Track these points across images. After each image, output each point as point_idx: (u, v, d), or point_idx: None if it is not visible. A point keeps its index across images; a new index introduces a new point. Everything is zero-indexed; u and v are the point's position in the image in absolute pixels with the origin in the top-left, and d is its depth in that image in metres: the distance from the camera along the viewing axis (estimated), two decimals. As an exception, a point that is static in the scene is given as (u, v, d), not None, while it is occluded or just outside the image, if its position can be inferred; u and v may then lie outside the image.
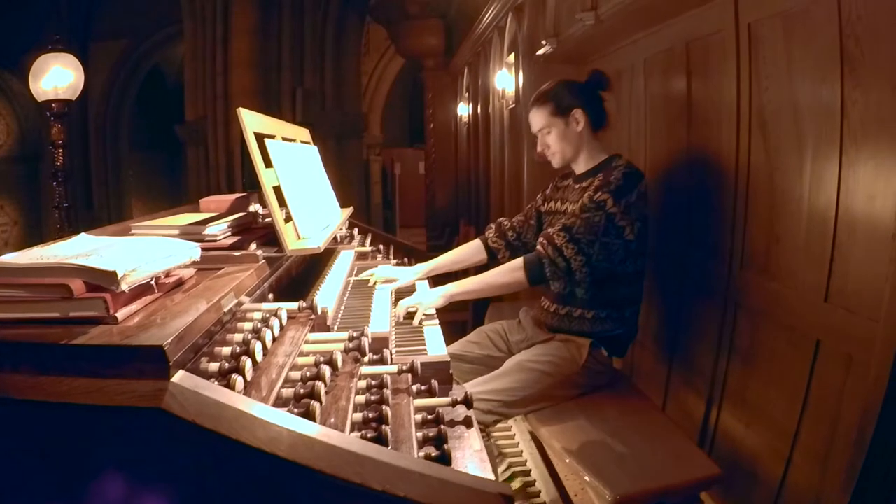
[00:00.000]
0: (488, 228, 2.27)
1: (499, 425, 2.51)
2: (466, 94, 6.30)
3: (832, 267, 1.52)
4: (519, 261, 1.86)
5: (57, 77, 4.32)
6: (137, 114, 11.64)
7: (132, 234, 1.46)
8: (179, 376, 0.77)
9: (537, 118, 1.98)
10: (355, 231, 2.81)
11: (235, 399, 0.78)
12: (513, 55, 3.81)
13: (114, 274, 0.89)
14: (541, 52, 3.11)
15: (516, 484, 2.30)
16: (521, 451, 2.58)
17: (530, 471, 2.41)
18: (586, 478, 1.50)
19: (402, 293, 1.99)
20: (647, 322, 2.45)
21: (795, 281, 1.67)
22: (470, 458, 1.00)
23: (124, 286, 0.91)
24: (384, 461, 0.77)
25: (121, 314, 0.91)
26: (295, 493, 0.74)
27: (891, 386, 1.11)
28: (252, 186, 2.21)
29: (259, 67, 7.59)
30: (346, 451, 0.76)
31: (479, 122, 5.54)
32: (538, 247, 1.85)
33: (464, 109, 6.52)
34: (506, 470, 2.40)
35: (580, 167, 1.99)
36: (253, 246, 1.46)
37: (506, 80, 4.07)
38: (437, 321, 1.77)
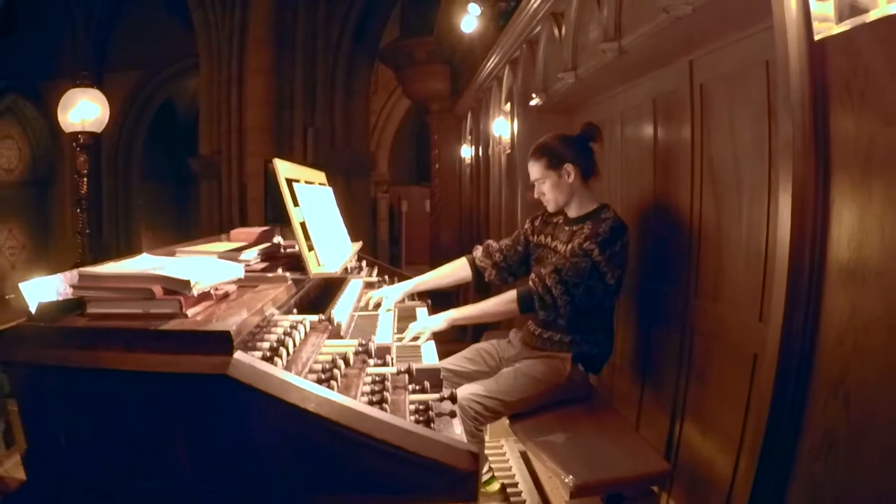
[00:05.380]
0: (475, 248, 2.54)
1: (490, 444, 2.87)
2: (469, 137, 6.63)
3: (764, 292, 1.81)
4: (513, 293, 2.16)
5: (84, 110, 4.66)
6: (148, 144, 11.72)
7: (177, 256, 1.77)
8: (238, 354, 1.06)
9: (534, 170, 2.27)
10: (363, 263, 3.12)
11: (279, 372, 1.07)
12: (509, 104, 4.16)
13: (188, 282, 1.19)
14: (532, 103, 3.46)
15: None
16: (511, 467, 2.85)
17: (517, 483, 2.66)
18: (550, 464, 1.77)
19: (403, 316, 2.30)
20: (624, 348, 2.72)
21: (737, 305, 1.96)
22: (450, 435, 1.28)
23: (194, 292, 1.21)
24: (385, 420, 1.06)
25: (189, 313, 1.21)
26: (320, 438, 1.03)
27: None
28: (275, 220, 2.53)
29: (272, 105, 7.96)
30: (358, 410, 1.05)
31: (480, 164, 5.85)
32: (531, 283, 2.14)
33: (467, 151, 6.84)
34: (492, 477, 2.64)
35: (572, 212, 2.27)
36: (279, 270, 1.77)
37: (503, 126, 4.41)
38: (432, 339, 2.08)
